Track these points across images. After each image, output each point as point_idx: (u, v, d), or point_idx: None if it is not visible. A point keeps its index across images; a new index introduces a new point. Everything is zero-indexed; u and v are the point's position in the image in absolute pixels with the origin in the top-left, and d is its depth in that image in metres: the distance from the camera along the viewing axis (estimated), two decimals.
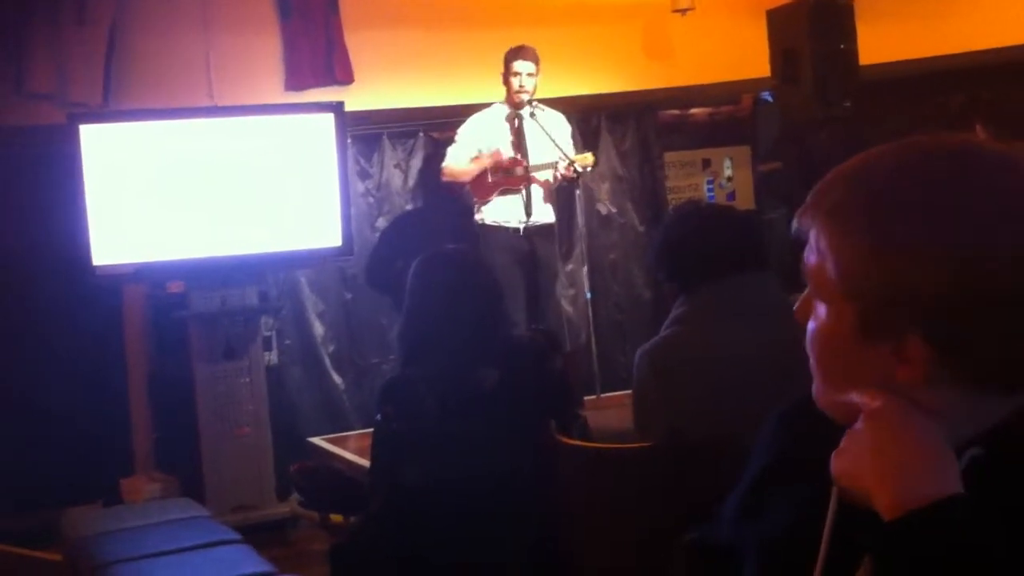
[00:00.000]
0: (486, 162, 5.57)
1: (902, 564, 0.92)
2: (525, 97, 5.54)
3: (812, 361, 1.08)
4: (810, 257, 1.04)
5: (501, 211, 5.59)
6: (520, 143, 5.60)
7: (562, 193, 5.82)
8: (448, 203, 5.94)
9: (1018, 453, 0.98)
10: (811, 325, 1.07)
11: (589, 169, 5.64)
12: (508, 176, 5.57)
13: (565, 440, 2.73)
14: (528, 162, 5.56)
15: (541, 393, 2.95)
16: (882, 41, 6.11)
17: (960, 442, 0.99)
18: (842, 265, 1.01)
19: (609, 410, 4.85)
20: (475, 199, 5.65)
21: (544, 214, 5.66)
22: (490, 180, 5.57)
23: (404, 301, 3.03)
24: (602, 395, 5.46)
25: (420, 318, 2.97)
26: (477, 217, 5.64)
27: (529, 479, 2.81)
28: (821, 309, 1.05)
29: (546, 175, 5.56)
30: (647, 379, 2.60)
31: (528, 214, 5.56)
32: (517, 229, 5.57)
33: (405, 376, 2.97)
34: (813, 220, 1.04)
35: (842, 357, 1.04)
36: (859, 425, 1.00)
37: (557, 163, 5.46)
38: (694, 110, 6.79)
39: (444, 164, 5.67)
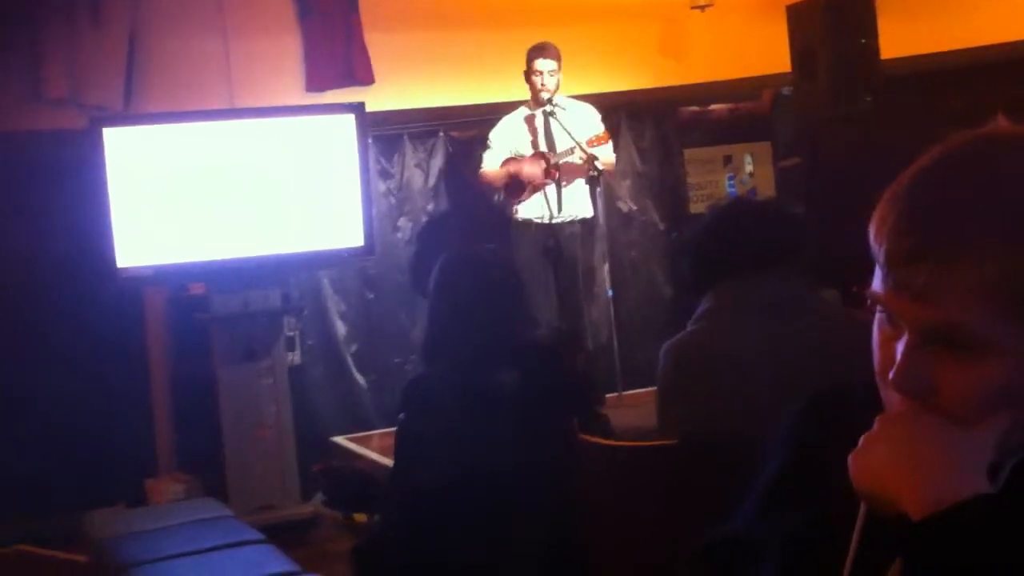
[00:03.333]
0: (512, 170, 5.63)
1: (934, 565, 0.91)
2: (547, 95, 5.56)
3: (982, 416, 0.95)
4: (947, 309, 0.93)
5: (533, 207, 5.65)
6: (547, 138, 5.64)
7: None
8: (475, 202, 5.94)
9: None
10: (961, 382, 0.95)
11: (608, 144, 5.69)
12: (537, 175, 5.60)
13: (586, 439, 2.73)
14: (553, 155, 5.58)
15: (562, 393, 2.95)
16: (903, 35, 6.07)
17: (1010, 450, 0.97)
18: (1021, 294, 0.92)
19: (631, 408, 4.85)
20: (512, 200, 5.68)
21: (580, 209, 5.68)
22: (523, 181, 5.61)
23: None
24: (624, 393, 5.46)
25: (441, 318, 2.98)
26: (510, 214, 5.70)
27: (550, 479, 2.81)
28: (981, 361, 0.94)
29: (576, 169, 5.58)
30: (670, 376, 2.59)
31: (559, 208, 5.59)
32: (547, 224, 5.62)
33: (426, 376, 2.98)
34: (948, 261, 0.93)
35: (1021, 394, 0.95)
36: (877, 427, 0.98)
37: (572, 149, 5.49)
38: (714, 106, 6.77)
39: (481, 170, 5.74)
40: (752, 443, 1.34)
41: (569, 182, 5.64)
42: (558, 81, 5.58)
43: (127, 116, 5.32)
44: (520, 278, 3.24)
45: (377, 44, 5.96)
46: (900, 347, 0.97)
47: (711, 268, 2.61)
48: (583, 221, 5.72)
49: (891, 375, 0.98)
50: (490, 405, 2.85)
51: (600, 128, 5.68)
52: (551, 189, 5.62)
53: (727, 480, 1.35)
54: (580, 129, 5.54)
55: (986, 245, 0.92)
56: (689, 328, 2.63)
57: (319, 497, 5.15)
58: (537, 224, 5.62)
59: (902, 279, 0.95)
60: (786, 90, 6.40)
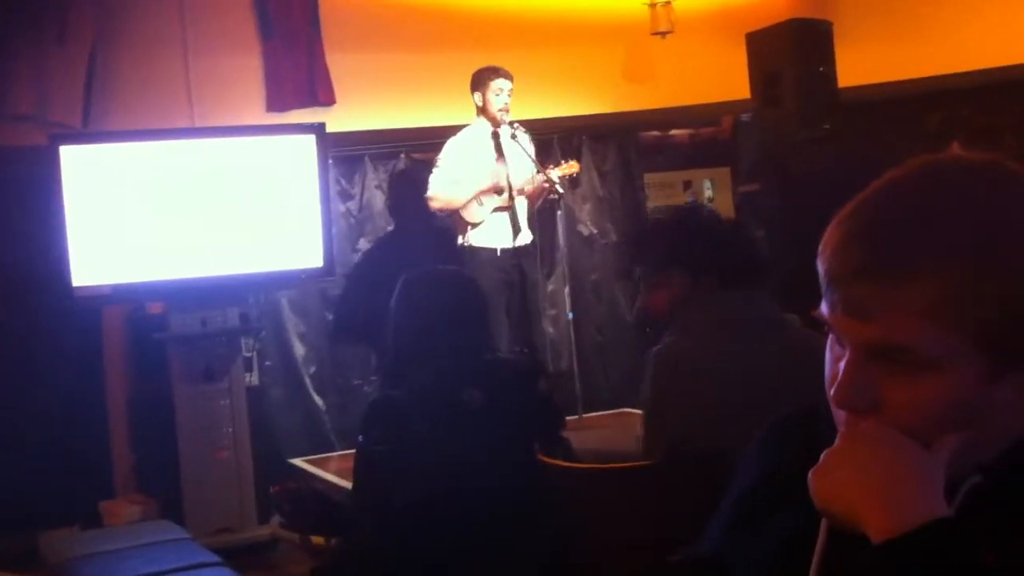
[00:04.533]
0: (482, 187, 5.51)
1: None
2: (507, 116, 5.54)
3: (928, 432, 0.97)
4: (889, 328, 0.95)
5: (488, 233, 5.55)
6: (504, 161, 5.59)
7: (543, 213, 5.81)
8: (426, 226, 5.90)
9: (1016, 481, 0.98)
10: (904, 399, 0.97)
11: (576, 174, 5.65)
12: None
13: (550, 461, 2.73)
14: (511, 180, 5.55)
15: (527, 414, 2.94)
16: (861, 63, 6.16)
17: (965, 470, 0.98)
18: (962, 314, 0.93)
19: (591, 431, 4.85)
20: (467, 224, 5.55)
21: (527, 235, 5.65)
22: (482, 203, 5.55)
23: (390, 320, 3.03)
24: (584, 416, 5.46)
25: (405, 337, 2.97)
26: (461, 240, 5.58)
27: (515, 500, 2.81)
28: (924, 378, 0.95)
29: (524, 197, 5.56)
30: (663, 380, 2.55)
31: (516, 233, 5.56)
32: (504, 250, 5.54)
33: (389, 397, 2.96)
34: (890, 280, 0.95)
35: (970, 411, 0.96)
36: (839, 444, 0.99)
37: (535, 174, 5.45)
38: (675, 132, 6.82)
39: (431, 192, 5.52)
40: (728, 458, 1.34)
41: (523, 209, 5.60)
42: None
43: (85, 133, 5.27)
44: (484, 299, 3.24)
45: (338, 65, 5.95)
46: (842, 365, 0.99)
47: (700, 270, 2.60)
48: (537, 245, 5.69)
49: (832, 392, 1.00)
50: (456, 426, 2.84)
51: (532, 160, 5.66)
52: (508, 216, 5.54)
53: (701, 497, 1.36)
54: (533, 153, 5.55)
55: (927, 264, 0.94)
56: (673, 336, 2.61)
57: (276, 519, 5.10)
58: (493, 250, 5.51)
59: (844, 297, 0.97)
60: (746, 116, 6.46)
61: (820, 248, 1.01)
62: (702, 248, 2.62)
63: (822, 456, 0.99)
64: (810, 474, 0.99)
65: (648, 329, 2.75)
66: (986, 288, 0.94)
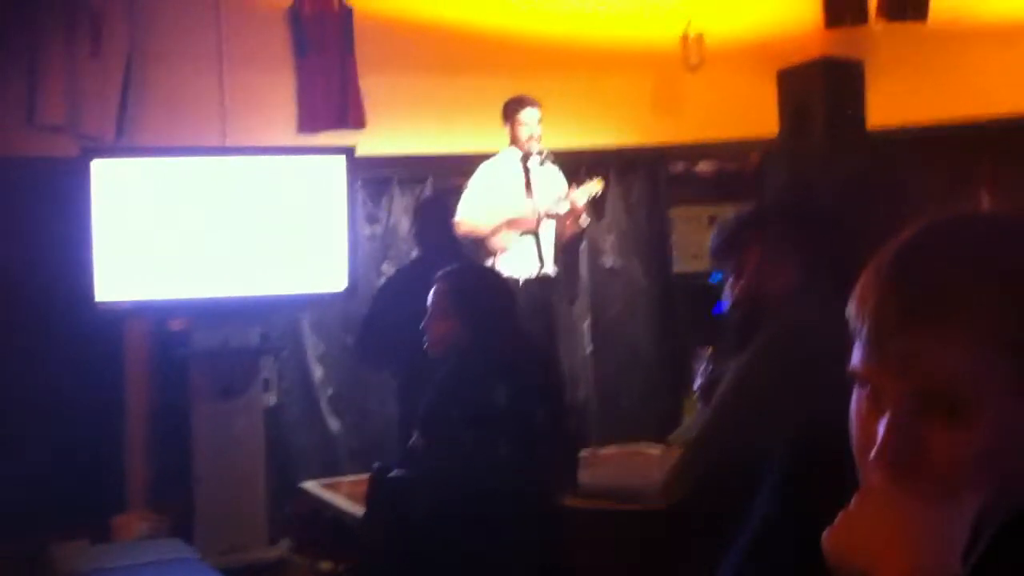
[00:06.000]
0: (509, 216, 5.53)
1: None
2: (535, 146, 5.56)
3: (966, 484, 0.95)
4: (934, 377, 0.94)
5: (512, 262, 5.53)
6: (532, 189, 5.61)
7: (567, 245, 5.81)
8: (452, 252, 5.89)
9: None
10: (948, 452, 0.95)
11: (599, 193, 5.64)
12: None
13: (570, 501, 2.71)
14: (539, 208, 5.56)
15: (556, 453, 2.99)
16: (891, 105, 6.13)
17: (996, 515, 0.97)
18: (1009, 357, 0.93)
19: (604, 467, 4.82)
20: (494, 250, 5.56)
21: (551, 265, 5.66)
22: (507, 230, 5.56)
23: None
24: (597, 451, 5.43)
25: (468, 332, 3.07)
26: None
27: (537, 534, 2.82)
28: (968, 427, 0.94)
29: (551, 227, 5.57)
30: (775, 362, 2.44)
31: (541, 262, 5.56)
32: (528, 280, 5.53)
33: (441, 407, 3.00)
34: (936, 329, 0.94)
35: (1013, 456, 0.95)
36: (857, 504, 0.97)
37: (560, 202, 5.46)
38: (701, 165, 6.81)
39: (458, 217, 5.55)
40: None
41: (549, 238, 5.61)
42: (540, 131, 5.59)
43: (117, 148, 5.32)
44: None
45: (370, 88, 5.99)
46: (882, 425, 0.97)
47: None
48: (560, 277, 5.69)
49: (874, 452, 0.97)
50: (482, 433, 2.88)
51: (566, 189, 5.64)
52: (533, 243, 5.56)
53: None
54: (560, 183, 5.55)
55: (973, 311, 0.93)
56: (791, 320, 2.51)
57: (286, 542, 5.10)
58: (521, 280, 5.49)
59: (888, 351, 0.96)
60: (774, 153, 6.44)
61: (855, 303, 1.00)
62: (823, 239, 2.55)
63: (840, 516, 0.98)
64: (825, 533, 0.98)
65: (746, 317, 2.61)
66: None
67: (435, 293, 3.28)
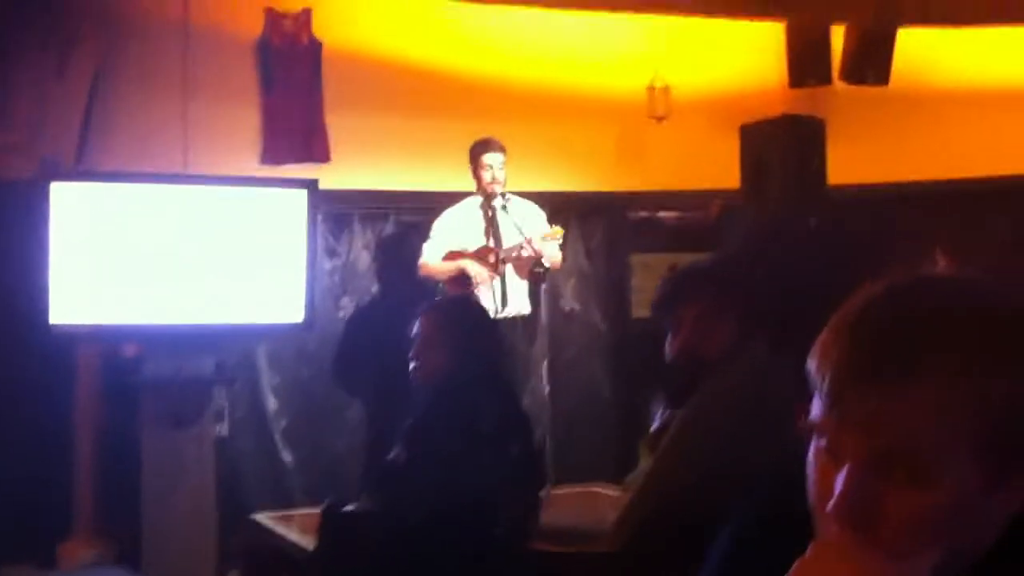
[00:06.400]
0: (458, 264, 5.57)
1: None
2: (498, 188, 5.60)
3: (922, 543, 0.95)
4: (894, 436, 0.94)
5: None
6: (494, 233, 5.64)
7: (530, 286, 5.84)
8: (412, 288, 5.90)
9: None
10: (904, 511, 0.95)
11: (559, 241, 5.66)
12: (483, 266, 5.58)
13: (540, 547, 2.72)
14: (501, 250, 5.59)
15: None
16: (852, 163, 6.23)
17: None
18: (970, 417, 0.93)
19: (558, 509, 4.80)
20: (455, 293, 5.57)
21: (520, 305, 5.67)
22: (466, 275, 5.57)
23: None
24: (553, 491, 5.42)
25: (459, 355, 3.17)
26: None
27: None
28: (926, 489, 0.94)
29: (522, 265, 5.59)
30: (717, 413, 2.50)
31: (504, 304, 5.58)
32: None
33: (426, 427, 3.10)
34: (898, 388, 0.94)
35: (970, 519, 0.95)
36: (812, 555, 0.97)
37: (522, 245, 5.48)
38: (663, 213, 6.87)
39: (421, 260, 5.64)
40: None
41: (515, 277, 5.64)
42: (504, 173, 5.62)
43: (77, 172, 5.27)
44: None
45: (335, 122, 6.00)
46: (840, 478, 0.97)
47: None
48: (523, 318, 5.71)
49: (831, 505, 0.97)
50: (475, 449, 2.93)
51: (546, 226, 5.70)
52: (496, 285, 5.59)
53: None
54: (528, 225, 5.58)
55: (935, 369, 0.93)
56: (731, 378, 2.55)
57: (234, 574, 5.04)
58: None
59: (849, 406, 0.96)
60: (733, 205, 6.52)
61: (815, 357, 1.00)
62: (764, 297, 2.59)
63: (796, 564, 0.98)
64: None
65: (685, 372, 2.66)
66: (993, 389, 0.93)
67: (424, 324, 3.34)
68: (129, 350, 5.19)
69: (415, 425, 3.18)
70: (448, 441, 3.03)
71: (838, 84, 6.53)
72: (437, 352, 3.28)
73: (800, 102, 6.43)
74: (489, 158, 5.59)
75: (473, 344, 3.28)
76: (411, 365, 3.36)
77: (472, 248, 5.61)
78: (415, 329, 3.37)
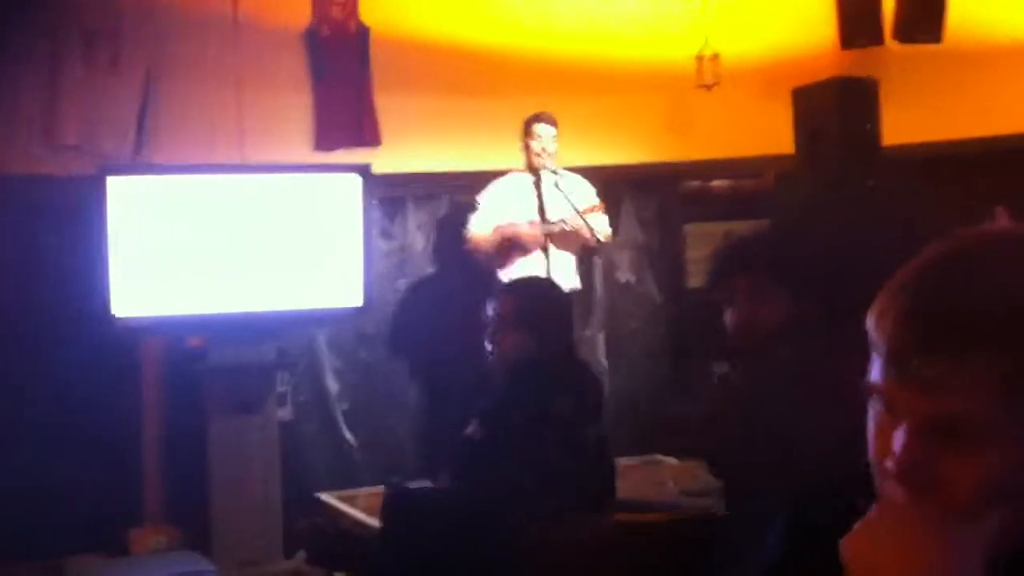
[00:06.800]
0: (507, 232, 5.57)
1: None
2: (547, 161, 5.57)
3: (980, 507, 0.95)
4: (952, 401, 0.94)
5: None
6: (540, 206, 5.62)
7: (582, 260, 5.82)
8: (467, 268, 5.92)
9: None
10: (963, 475, 0.95)
11: (602, 214, 5.65)
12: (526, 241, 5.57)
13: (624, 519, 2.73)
14: (543, 224, 5.56)
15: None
16: (906, 124, 6.14)
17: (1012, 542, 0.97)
18: None
19: (623, 480, 4.81)
20: (500, 265, 5.60)
21: (567, 280, 5.64)
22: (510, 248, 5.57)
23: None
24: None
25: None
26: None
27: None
28: (984, 453, 0.94)
29: (568, 239, 5.56)
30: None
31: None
32: None
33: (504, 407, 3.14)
34: (955, 353, 0.94)
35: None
36: (878, 513, 0.98)
37: (564, 219, 5.46)
38: (716, 183, 6.82)
39: (467, 233, 5.67)
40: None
41: (562, 251, 5.61)
42: (555, 148, 5.60)
43: (133, 166, 5.35)
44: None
45: (385, 106, 6.02)
46: (898, 438, 0.97)
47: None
48: (575, 292, 5.67)
49: (891, 466, 0.98)
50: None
51: (595, 199, 5.67)
52: (542, 259, 5.54)
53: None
54: (577, 199, 5.55)
55: (995, 338, 0.93)
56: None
57: (301, 555, 5.11)
58: None
59: (908, 371, 0.96)
60: (788, 171, 6.46)
61: (874, 317, 1.00)
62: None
63: (859, 523, 0.98)
64: (844, 540, 0.98)
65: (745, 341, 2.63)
66: None
67: (503, 305, 3.31)
68: (193, 341, 5.27)
69: (494, 405, 3.17)
70: (527, 422, 3.04)
71: (890, 44, 6.43)
72: (516, 333, 3.25)
73: (852, 64, 6.33)
74: (540, 128, 5.59)
75: (552, 325, 3.26)
76: (488, 346, 3.33)
77: (519, 220, 5.58)
78: (491, 310, 3.34)
